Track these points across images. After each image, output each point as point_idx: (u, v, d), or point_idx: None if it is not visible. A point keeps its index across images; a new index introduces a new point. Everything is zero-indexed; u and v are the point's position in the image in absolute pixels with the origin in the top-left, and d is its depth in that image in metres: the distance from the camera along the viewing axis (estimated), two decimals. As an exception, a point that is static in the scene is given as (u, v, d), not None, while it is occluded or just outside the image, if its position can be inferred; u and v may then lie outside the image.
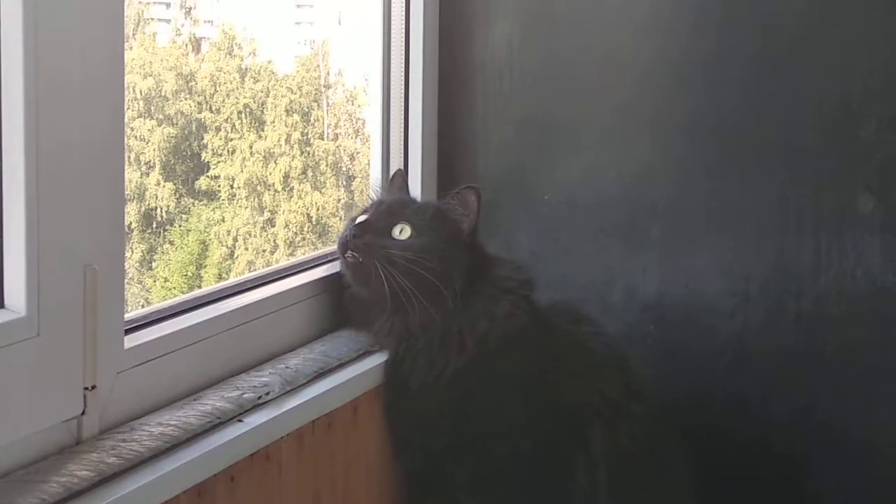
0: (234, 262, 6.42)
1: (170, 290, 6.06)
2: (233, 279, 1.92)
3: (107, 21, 1.38)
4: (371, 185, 2.21)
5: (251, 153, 6.83)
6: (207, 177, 6.78)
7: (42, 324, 1.31)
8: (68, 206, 1.34)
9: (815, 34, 2.05)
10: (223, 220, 6.60)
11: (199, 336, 1.62)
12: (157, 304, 1.67)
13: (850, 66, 2.03)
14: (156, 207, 6.44)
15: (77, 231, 1.35)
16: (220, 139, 6.85)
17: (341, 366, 1.82)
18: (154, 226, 6.40)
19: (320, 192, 6.74)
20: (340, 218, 6.51)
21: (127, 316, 1.50)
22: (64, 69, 1.32)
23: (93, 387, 1.39)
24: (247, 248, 6.51)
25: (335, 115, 7.23)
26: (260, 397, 1.61)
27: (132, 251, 6.07)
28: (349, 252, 1.85)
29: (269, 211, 6.74)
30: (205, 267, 6.37)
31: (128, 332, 1.50)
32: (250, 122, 6.94)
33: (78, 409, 1.38)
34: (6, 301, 1.32)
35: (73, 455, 1.35)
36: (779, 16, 2.08)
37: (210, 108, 6.89)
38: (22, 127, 1.28)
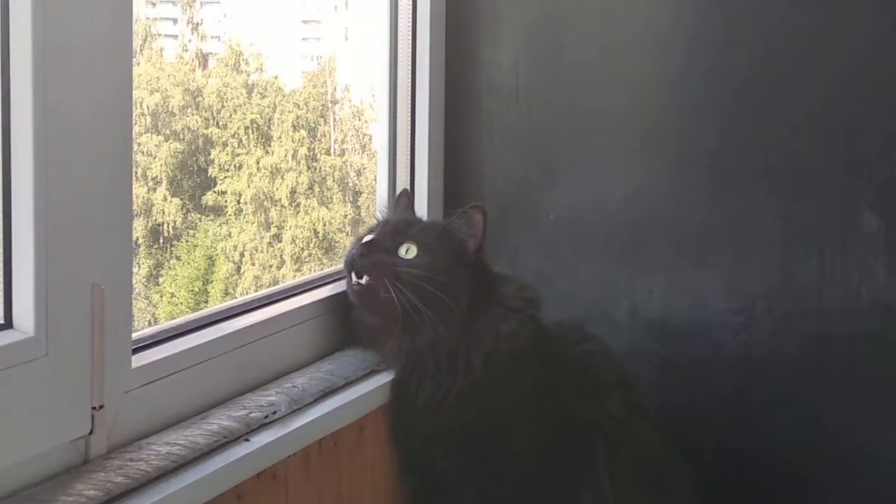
0: (240, 278, 6.43)
1: (176, 305, 6.07)
2: (239, 298, 1.93)
3: (114, 37, 1.39)
4: (377, 204, 2.22)
5: (258, 169, 6.84)
6: (214, 192, 6.79)
7: (50, 344, 1.32)
8: (76, 226, 1.34)
9: (818, 51, 2.06)
10: (230, 236, 6.61)
11: (207, 355, 1.63)
12: (165, 324, 1.67)
13: (853, 83, 2.04)
14: (162, 223, 6.45)
15: (85, 251, 1.36)
16: (227, 154, 6.86)
17: (348, 385, 1.82)
18: (161, 241, 6.42)
19: (327, 207, 6.74)
20: (347, 233, 6.51)
21: (134, 335, 1.51)
22: (72, 87, 1.33)
23: (100, 406, 1.39)
24: (253, 264, 6.52)
25: (342, 130, 7.24)
26: (267, 416, 1.61)
27: (139, 266, 6.08)
28: (355, 281, 1.85)
29: (276, 226, 6.75)
30: (211, 282, 6.38)
31: (135, 351, 1.50)
32: (257, 138, 6.96)
33: (86, 428, 1.38)
34: (14, 321, 1.32)
35: (80, 474, 1.35)
36: (783, 34, 2.08)
37: (217, 123, 6.90)
38: (31, 146, 1.29)
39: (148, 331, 1.61)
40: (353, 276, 1.87)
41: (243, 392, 1.69)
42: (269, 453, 1.56)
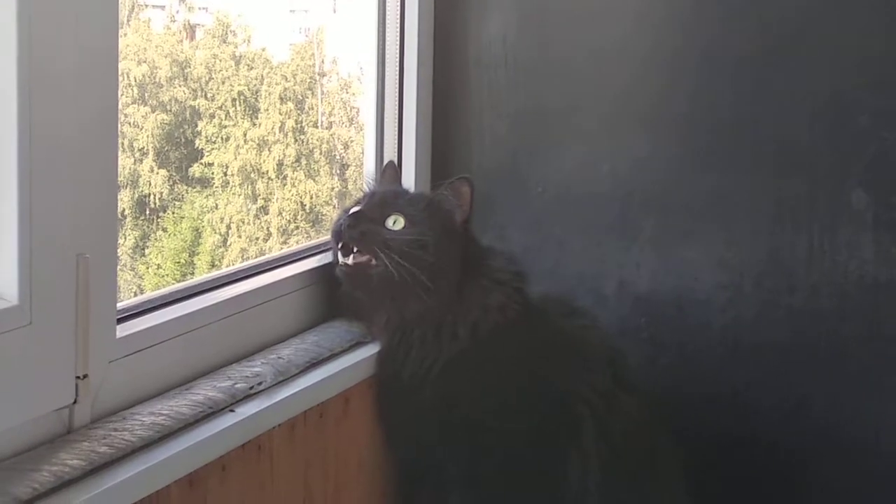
0: (227, 250, 6.43)
1: (163, 276, 6.06)
2: (225, 269, 1.92)
3: (101, 7, 1.37)
4: (364, 177, 2.21)
5: (245, 141, 6.83)
6: (201, 164, 6.78)
7: (34, 313, 1.31)
8: (61, 195, 1.33)
9: (808, 28, 2.05)
10: (216, 208, 6.60)
11: (192, 326, 1.62)
12: (150, 294, 1.66)
13: (843, 60, 2.03)
14: (149, 194, 6.44)
15: (69, 220, 1.35)
16: (214, 126, 6.84)
17: (333, 356, 1.81)
18: (147, 212, 6.41)
19: (314, 180, 6.74)
20: (334, 206, 6.51)
21: (119, 305, 1.50)
22: (57, 56, 1.31)
23: (84, 376, 1.38)
24: (240, 236, 6.52)
25: (329, 103, 7.23)
26: (252, 387, 1.61)
27: (125, 238, 6.07)
28: (342, 262, 1.84)
29: (263, 199, 6.74)
30: (198, 254, 6.37)
31: (120, 321, 1.49)
32: (244, 110, 6.94)
33: (69, 398, 1.37)
34: (-2, 290, 1.32)
35: (64, 444, 1.35)
36: (773, 9, 2.08)
37: (204, 95, 6.88)
38: (15, 115, 1.27)
39: (133, 300, 1.60)
40: (340, 254, 1.86)
41: (229, 363, 1.69)
42: (254, 424, 1.56)
